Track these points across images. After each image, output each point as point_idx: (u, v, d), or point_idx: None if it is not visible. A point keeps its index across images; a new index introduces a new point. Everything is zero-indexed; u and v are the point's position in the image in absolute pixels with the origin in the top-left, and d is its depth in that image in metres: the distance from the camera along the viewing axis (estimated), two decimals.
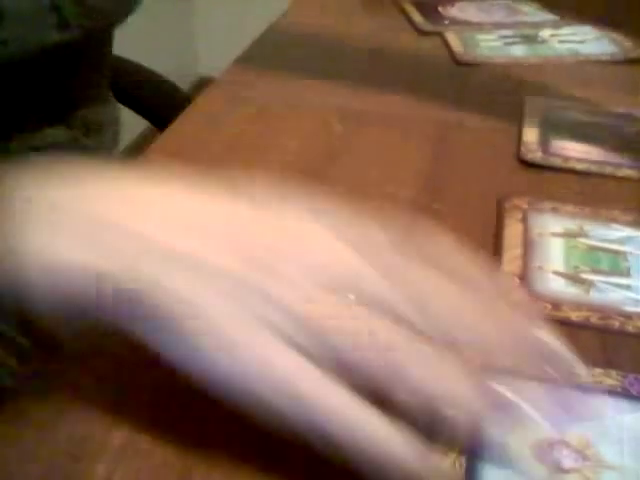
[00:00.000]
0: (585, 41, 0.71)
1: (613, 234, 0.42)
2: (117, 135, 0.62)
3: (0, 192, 0.29)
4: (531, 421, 0.27)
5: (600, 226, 0.43)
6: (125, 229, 0.28)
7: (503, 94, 0.61)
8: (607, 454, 0.29)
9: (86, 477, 0.29)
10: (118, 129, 0.62)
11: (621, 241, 0.42)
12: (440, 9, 0.78)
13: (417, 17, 0.76)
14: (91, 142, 0.55)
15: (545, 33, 0.73)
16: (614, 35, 0.71)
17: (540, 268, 0.39)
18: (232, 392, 0.26)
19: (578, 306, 0.37)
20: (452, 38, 0.71)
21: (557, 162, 0.50)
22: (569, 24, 0.75)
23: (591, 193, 0.47)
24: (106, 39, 0.56)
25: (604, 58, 0.67)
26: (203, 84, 0.64)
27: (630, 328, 0.36)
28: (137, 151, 0.53)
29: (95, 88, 0.56)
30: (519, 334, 0.28)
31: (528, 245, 0.41)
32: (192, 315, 0.26)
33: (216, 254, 0.28)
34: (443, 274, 0.28)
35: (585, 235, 0.42)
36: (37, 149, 0.50)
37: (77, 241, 0.28)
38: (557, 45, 0.70)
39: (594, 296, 0.38)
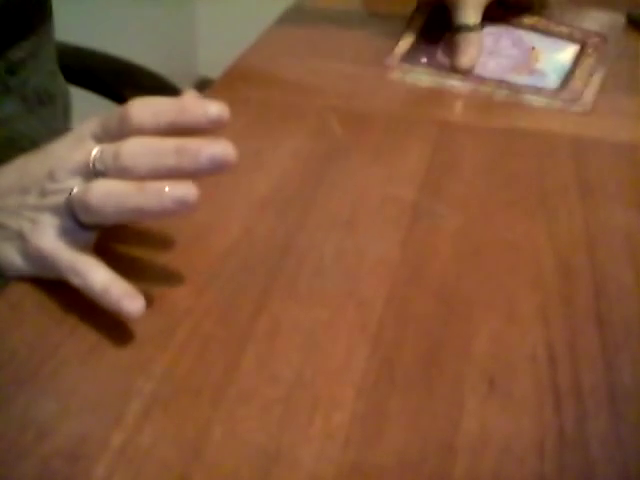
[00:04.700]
0: None
1: None
2: (68, 110, 0.67)
3: None
4: None
5: None
6: None
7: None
8: None
9: (86, 477, 0.29)
10: (68, 103, 0.67)
11: None
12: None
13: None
14: (45, 112, 0.61)
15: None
16: None
17: None
18: None
19: None
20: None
21: None
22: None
23: None
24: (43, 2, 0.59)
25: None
26: (203, 84, 0.64)
27: None
28: None
29: (42, 59, 0.60)
30: None
31: None
32: None
33: None
34: None
35: None
36: None
37: None
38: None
39: None
